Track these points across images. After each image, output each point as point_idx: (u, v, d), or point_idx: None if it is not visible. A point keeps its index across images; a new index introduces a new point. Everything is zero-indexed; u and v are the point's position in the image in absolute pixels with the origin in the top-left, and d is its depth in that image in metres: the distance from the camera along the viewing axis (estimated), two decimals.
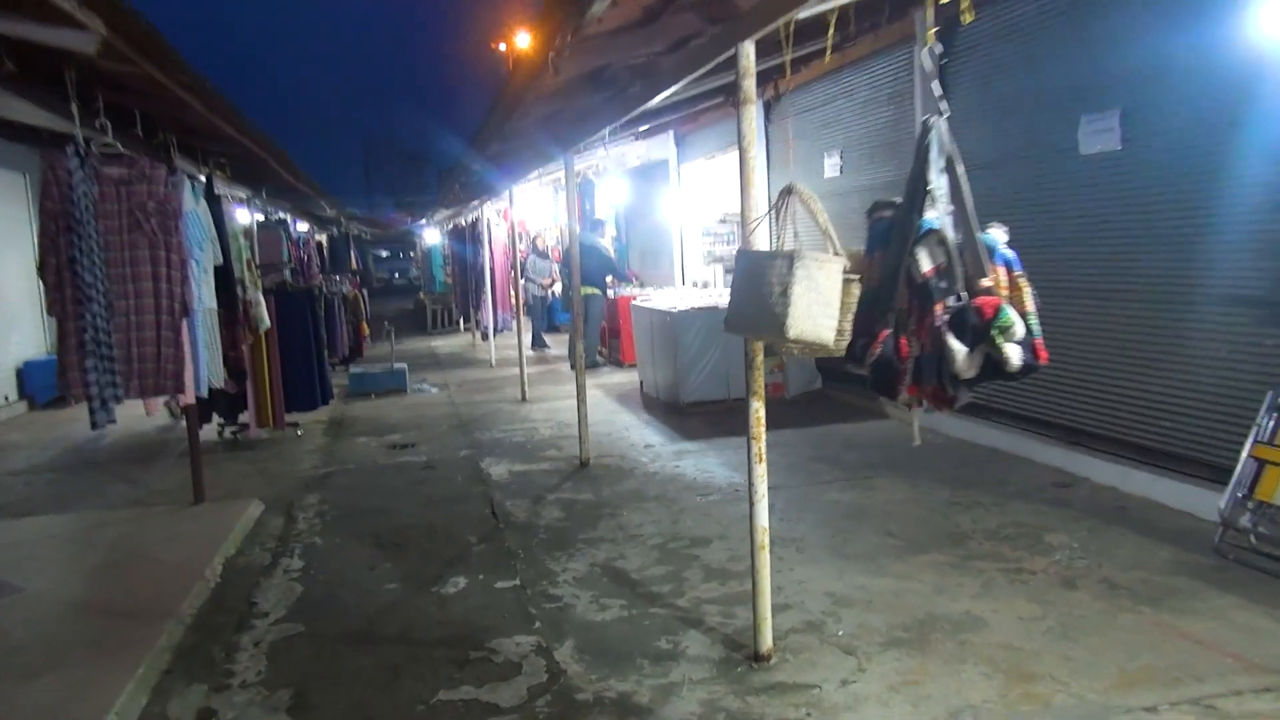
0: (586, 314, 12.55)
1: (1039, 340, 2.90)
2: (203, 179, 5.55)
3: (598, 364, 12.46)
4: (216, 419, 8.32)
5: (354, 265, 17.85)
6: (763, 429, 3.42)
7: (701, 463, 6.59)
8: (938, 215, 2.92)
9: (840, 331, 2.98)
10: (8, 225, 10.62)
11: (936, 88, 3.28)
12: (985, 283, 2.86)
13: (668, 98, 5.88)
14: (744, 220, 3.44)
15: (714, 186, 13.16)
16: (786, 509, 5.35)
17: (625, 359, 11.86)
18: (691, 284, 13.22)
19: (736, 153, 3.54)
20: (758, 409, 3.41)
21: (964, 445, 6.64)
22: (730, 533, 4.99)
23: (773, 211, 3.37)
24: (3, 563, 4.95)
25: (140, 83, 3.77)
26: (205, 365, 4.93)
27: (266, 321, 7.60)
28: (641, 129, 9.30)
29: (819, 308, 2.88)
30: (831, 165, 8.70)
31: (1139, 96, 5.17)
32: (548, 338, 14.52)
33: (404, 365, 11.03)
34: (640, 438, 7.63)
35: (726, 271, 13.03)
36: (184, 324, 4.32)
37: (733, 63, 3.39)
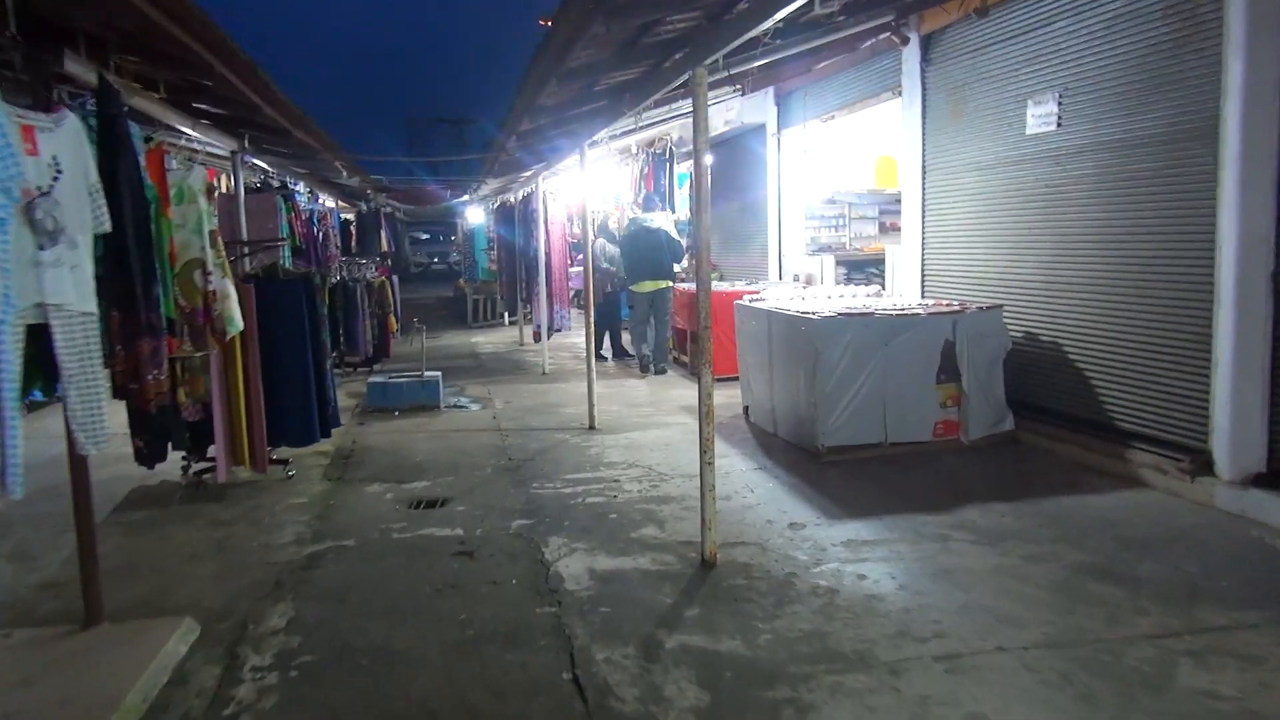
0: (658, 312, 10.26)
1: None
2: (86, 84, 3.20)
3: (664, 371, 10.25)
4: (179, 456, 6.03)
5: (385, 247, 15.55)
6: None
7: (899, 569, 4.11)
8: None
9: None
10: None
11: None
12: None
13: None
14: None
15: (827, 158, 10.63)
16: (1114, 706, 2.88)
17: (716, 371, 9.38)
18: (792, 278, 10.73)
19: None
20: None
21: None
22: None
23: None
24: None
25: None
26: (16, 437, 2.57)
27: (239, 322, 5.26)
28: (746, 67, 6.76)
29: None
30: (1040, 116, 6.14)
31: None
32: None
33: (437, 374, 8.67)
34: (776, 507, 5.17)
35: (839, 264, 10.51)
36: None
37: None
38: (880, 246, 10.60)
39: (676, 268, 11.91)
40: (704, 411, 4.30)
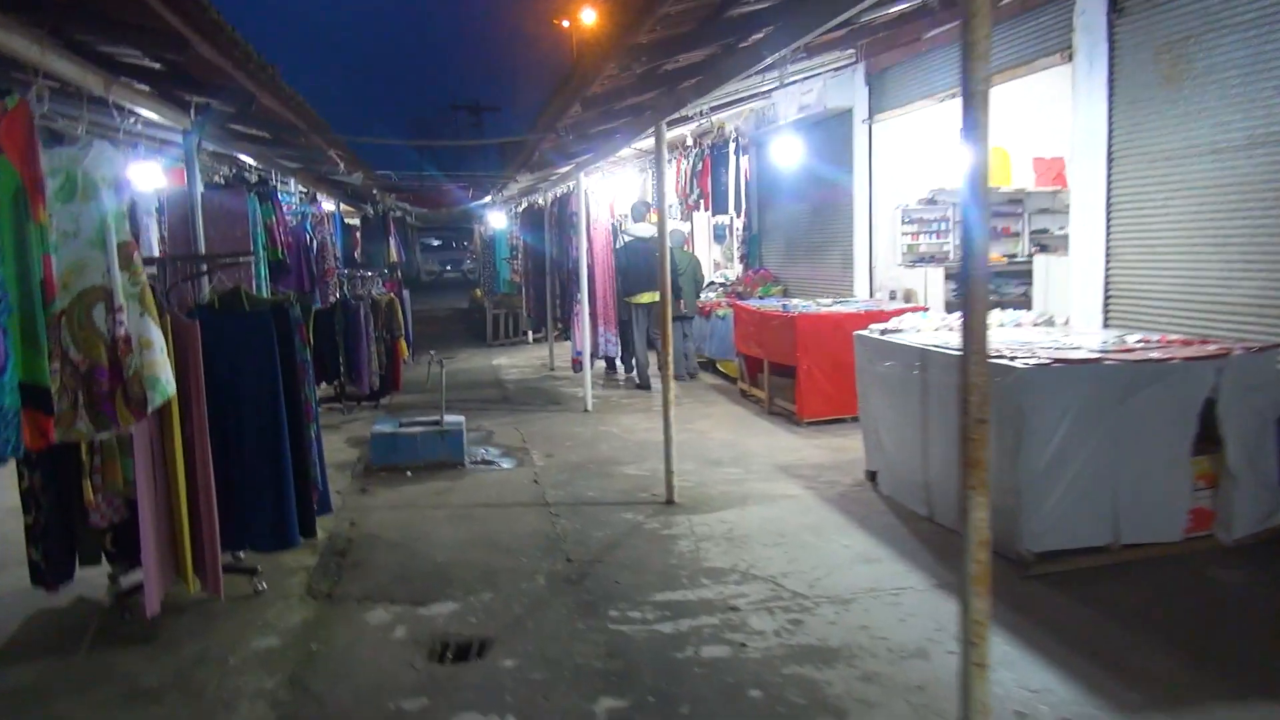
0: (637, 325, 9.58)
1: None
2: None
3: (649, 387, 9.52)
4: (105, 566, 4.19)
5: (394, 257, 13.68)
6: None
7: None
8: None
9: None
10: None
11: None
12: None
13: None
14: None
15: (930, 149, 8.70)
16: None
17: (803, 413, 7.51)
18: (889, 295, 8.84)
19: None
20: None
21: None
22: None
23: None
24: None
25: None
26: None
27: (167, 384, 3.42)
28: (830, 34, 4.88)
29: None
30: None
31: None
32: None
33: (459, 421, 6.79)
34: (1011, 674, 3.25)
35: (948, 278, 8.60)
36: None
37: None
38: (999, 256, 8.72)
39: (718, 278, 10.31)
40: (970, 573, 2.38)
